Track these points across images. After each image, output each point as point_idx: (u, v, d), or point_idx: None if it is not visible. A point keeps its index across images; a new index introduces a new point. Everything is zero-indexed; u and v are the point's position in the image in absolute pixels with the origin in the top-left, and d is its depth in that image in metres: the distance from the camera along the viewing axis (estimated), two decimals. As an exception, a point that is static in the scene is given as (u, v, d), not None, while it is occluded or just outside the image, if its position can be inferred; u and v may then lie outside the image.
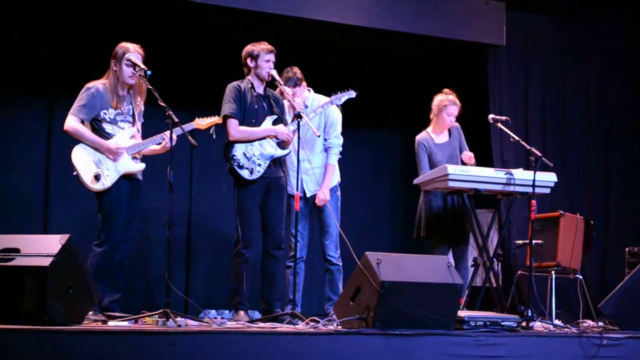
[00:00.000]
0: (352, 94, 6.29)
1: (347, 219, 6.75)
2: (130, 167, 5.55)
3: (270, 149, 5.93)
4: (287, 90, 5.99)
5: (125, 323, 4.91)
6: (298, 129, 5.67)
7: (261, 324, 5.28)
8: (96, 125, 5.53)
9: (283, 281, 6.25)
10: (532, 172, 5.93)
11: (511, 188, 6.11)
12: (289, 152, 6.07)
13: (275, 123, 5.99)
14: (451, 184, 6.02)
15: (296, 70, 6.32)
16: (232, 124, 5.86)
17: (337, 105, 6.34)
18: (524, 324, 5.49)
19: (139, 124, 5.71)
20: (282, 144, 5.97)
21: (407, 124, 8.00)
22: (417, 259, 5.16)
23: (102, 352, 4.09)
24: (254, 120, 5.93)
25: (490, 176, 6.11)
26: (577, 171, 8.19)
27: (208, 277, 7.75)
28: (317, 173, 6.32)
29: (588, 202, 8.13)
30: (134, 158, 5.59)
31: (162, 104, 5.12)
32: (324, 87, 6.49)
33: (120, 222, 5.50)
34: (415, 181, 6.34)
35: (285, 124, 6.03)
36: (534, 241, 6.15)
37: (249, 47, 5.97)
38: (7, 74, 7.00)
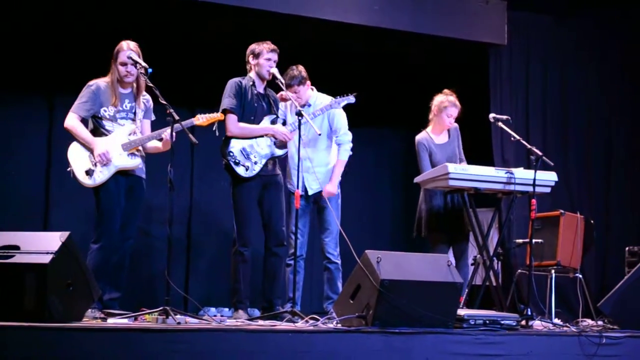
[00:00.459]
0: (352, 99, 6.29)
1: (348, 217, 6.75)
2: (124, 163, 5.56)
3: (268, 147, 5.94)
4: (290, 94, 6.01)
5: (125, 320, 4.92)
6: (299, 127, 5.67)
7: (260, 322, 5.29)
8: (96, 123, 5.59)
9: (283, 279, 6.25)
10: (532, 171, 5.93)
11: (511, 187, 6.11)
12: (286, 152, 6.08)
13: (273, 123, 6.01)
14: (452, 182, 6.03)
15: (301, 68, 6.33)
16: (231, 119, 5.87)
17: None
18: (523, 322, 5.49)
19: (146, 122, 5.75)
20: (279, 144, 5.98)
21: (408, 123, 7.99)
22: (417, 258, 5.17)
23: (102, 349, 4.09)
24: (252, 118, 5.93)
25: (490, 175, 6.12)
26: (578, 170, 8.19)
27: (208, 274, 7.76)
28: (319, 172, 6.33)
29: (588, 202, 8.13)
30: (132, 154, 5.60)
31: (163, 102, 5.14)
32: (323, 86, 6.49)
33: (117, 219, 5.52)
34: (416, 180, 6.34)
35: (284, 125, 6.04)
36: (534, 240, 6.16)
37: (252, 45, 5.99)
38: (8, 71, 7.01)
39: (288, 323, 5.12)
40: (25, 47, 7.04)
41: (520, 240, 7.09)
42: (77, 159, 5.49)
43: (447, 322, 4.91)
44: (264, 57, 5.92)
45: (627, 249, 7.16)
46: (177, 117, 5.16)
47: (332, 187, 6.32)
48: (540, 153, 5.92)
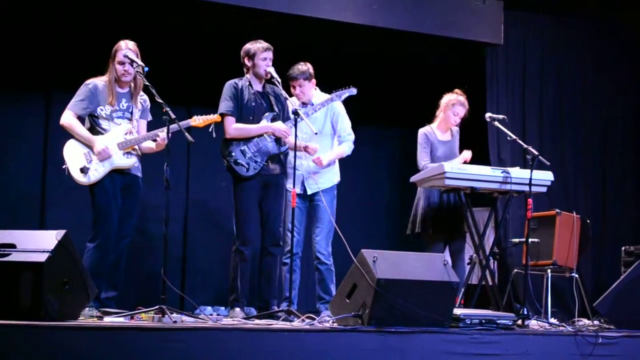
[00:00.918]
0: (353, 91, 6.28)
1: (344, 216, 6.74)
2: (120, 162, 5.56)
3: (267, 145, 5.93)
4: (292, 100, 6.01)
5: (121, 319, 4.91)
6: (295, 125, 5.67)
7: (257, 321, 5.29)
8: (93, 121, 5.59)
9: (279, 279, 6.25)
10: (528, 171, 5.93)
11: (508, 186, 6.11)
12: (287, 150, 6.07)
13: (274, 120, 6.00)
14: (448, 182, 6.03)
15: (309, 65, 6.31)
16: (229, 121, 5.87)
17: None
18: (519, 322, 5.49)
19: (142, 122, 5.75)
20: (279, 141, 5.97)
21: (404, 122, 8.00)
22: (414, 257, 5.17)
23: (98, 347, 4.09)
24: (251, 118, 5.93)
25: (487, 174, 6.12)
26: (574, 170, 8.20)
27: (204, 273, 7.75)
28: (321, 171, 6.31)
29: (584, 201, 8.14)
30: (128, 153, 5.60)
31: (160, 101, 5.14)
32: (320, 85, 6.48)
33: (113, 217, 5.52)
34: (412, 179, 6.34)
35: (285, 122, 6.03)
36: (530, 239, 6.16)
37: (246, 46, 5.97)
38: (5, 68, 6.99)
39: (284, 322, 5.12)
40: (22, 45, 7.03)
41: (517, 240, 7.08)
42: (73, 157, 5.49)
43: (443, 322, 4.92)
44: (259, 57, 5.90)
45: (623, 248, 7.18)
46: (173, 116, 5.16)
47: (324, 159, 6.23)
48: (536, 152, 5.92)
